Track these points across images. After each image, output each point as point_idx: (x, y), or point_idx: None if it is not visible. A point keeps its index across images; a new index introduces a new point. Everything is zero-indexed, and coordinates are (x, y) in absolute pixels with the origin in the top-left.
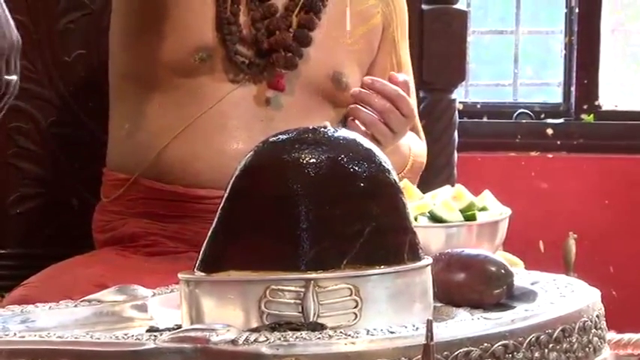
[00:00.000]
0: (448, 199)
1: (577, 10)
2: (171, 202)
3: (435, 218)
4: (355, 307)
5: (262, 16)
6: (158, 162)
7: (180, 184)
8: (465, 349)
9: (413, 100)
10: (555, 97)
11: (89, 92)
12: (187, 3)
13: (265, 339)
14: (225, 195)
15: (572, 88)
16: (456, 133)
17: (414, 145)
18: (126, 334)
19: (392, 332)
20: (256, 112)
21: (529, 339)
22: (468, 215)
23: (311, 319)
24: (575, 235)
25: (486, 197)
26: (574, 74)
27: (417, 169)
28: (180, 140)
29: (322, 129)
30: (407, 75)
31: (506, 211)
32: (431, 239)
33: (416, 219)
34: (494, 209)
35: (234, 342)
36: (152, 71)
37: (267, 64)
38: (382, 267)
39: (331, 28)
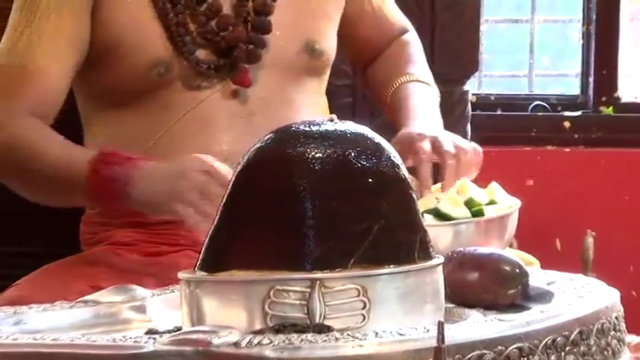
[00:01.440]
0: (453, 193)
1: None
2: None
3: (440, 215)
4: (363, 309)
5: (208, 17)
6: None
7: None
8: (478, 352)
9: (393, 6)
10: (573, 88)
11: None
12: (133, 23)
13: (269, 342)
14: (228, 191)
15: (591, 79)
16: (468, 126)
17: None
18: (124, 337)
19: (401, 334)
20: (233, 110)
21: (545, 341)
22: (476, 211)
23: (317, 321)
24: (594, 233)
25: (494, 190)
26: (592, 64)
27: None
28: (159, 148)
29: (329, 122)
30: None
31: (515, 204)
32: (438, 237)
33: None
34: (502, 202)
35: (236, 345)
36: (116, 92)
37: (233, 61)
38: (391, 266)
39: (292, 3)
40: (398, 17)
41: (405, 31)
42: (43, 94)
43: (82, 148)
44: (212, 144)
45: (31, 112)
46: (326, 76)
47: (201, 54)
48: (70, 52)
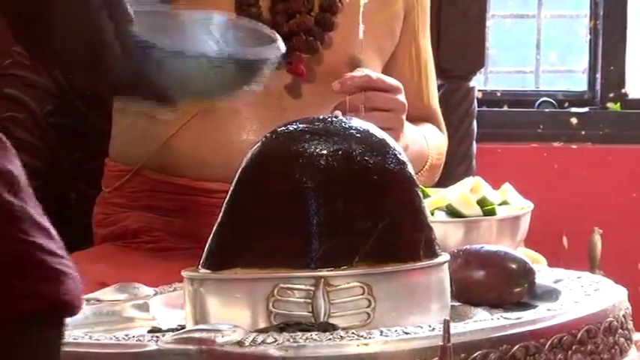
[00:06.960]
0: (466, 192)
1: None
2: (176, 196)
3: (452, 213)
4: (368, 307)
5: None
6: (164, 152)
7: (187, 176)
8: (484, 350)
9: (433, 90)
10: (580, 84)
11: None
12: None
13: (273, 340)
14: (232, 188)
15: (598, 75)
16: (474, 123)
17: (432, 141)
18: (127, 335)
19: (407, 333)
20: (271, 100)
21: (551, 340)
22: (488, 210)
23: (321, 319)
24: (601, 231)
25: (507, 191)
26: (599, 60)
27: (435, 169)
28: (189, 129)
29: (334, 118)
30: (427, 65)
31: (528, 206)
32: (449, 235)
33: (432, 213)
34: (515, 203)
35: (240, 343)
36: None
37: (287, 49)
38: (396, 264)
39: (351, 13)
40: (433, 109)
41: (434, 124)
42: None
43: None
44: (240, 131)
45: None
46: None
47: None
48: None
